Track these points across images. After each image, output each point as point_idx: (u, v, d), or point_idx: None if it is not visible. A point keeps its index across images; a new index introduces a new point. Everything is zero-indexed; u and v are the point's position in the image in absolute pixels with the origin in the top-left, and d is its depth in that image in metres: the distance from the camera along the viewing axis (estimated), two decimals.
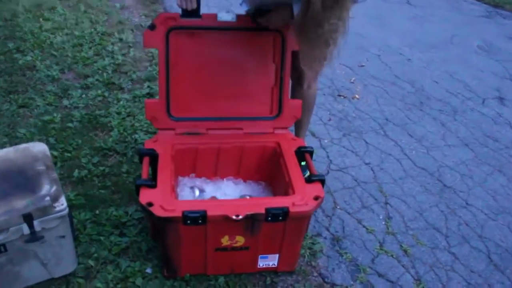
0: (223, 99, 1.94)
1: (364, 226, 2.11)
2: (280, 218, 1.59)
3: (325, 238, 2.03)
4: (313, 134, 2.77)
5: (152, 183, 1.61)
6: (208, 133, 1.94)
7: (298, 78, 2.10)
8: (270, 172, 2.00)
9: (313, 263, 1.89)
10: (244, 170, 2.02)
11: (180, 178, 1.98)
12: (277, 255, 1.75)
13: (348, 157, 2.60)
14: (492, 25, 4.94)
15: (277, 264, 1.78)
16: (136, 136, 2.55)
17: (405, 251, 2.00)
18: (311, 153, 1.89)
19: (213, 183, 2.00)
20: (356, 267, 1.89)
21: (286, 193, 1.75)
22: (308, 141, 2.58)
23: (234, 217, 1.52)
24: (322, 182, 1.72)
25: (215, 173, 2.02)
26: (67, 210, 1.57)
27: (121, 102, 2.87)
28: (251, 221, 1.58)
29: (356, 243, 2.02)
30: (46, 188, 1.54)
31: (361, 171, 2.49)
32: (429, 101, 3.27)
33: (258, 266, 1.77)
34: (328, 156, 2.59)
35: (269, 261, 1.77)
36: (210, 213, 1.53)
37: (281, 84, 1.94)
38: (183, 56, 1.85)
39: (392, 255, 1.97)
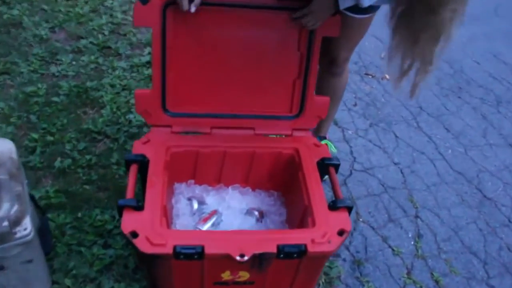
0: (232, 92, 1.58)
1: (390, 246, 1.81)
2: (295, 256, 1.28)
3: (344, 260, 1.73)
4: (335, 123, 2.41)
5: (138, 204, 1.29)
6: (212, 133, 1.60)
7: (329, 65, 1.72)
8: (284, 181, 1.67)
9: None
10: (254, 177, 1.69)
11: (176, 185, 1.66)
12: None
13: (374, 154, 2.26)
14: None
15: None
16: (131, 116, 2.21)
17: (437, 282, 1.70)
18: (336, 167, 1.54)
19: (216, 192, 1.67)
20: None
21: (303, 220, 1.44)
22: (330, 132, 2.23)
23: (238, 258, 1.21)
24: (349, 209, 1.39)
25: (218, 179, 1.69)
26: (32, 235, 1.26)
27: (117, 72, 2.50)
28: (259, 259, 1.27)
29: (380, 268, 1.72)
30: (5, 208, 1.23)
31: (389, 173, 2.16)
32: (469, 87, 2.86)
33: None
34: (351, 152, 2.24)
35: None
36: (208, 250, 1.22)
37: (305, 77, 1.56)
38: (184, 38, 1.46)
39: (421, 286, 1.68)
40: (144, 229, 1.24)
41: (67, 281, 1.51)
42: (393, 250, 1.79)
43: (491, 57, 3.19)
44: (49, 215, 1.69)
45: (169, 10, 1.40)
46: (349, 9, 1.45)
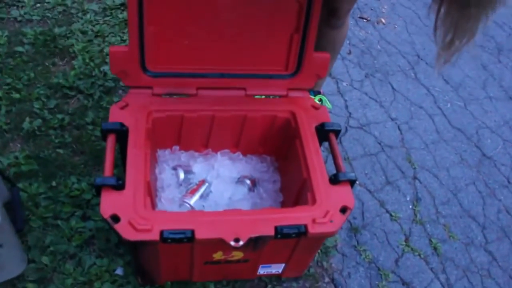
0: (221, 48, 1.38)
1: (387, 211, 1.73)
2: (294, 236, 1.17)
3: (340, 227, 1.65)
4: (329, 74, 2.23)
5: (118, 182, 1.14)
6: (199, 94, 1.42)
7: (329, 17, 1.53)
8: (278, 145, 1.54)
9: (324, 264, 1.54)
10: (245, 142, 1.55)
11: (159, 152, 1.50)
12: (282, 265, 1.38)
13: (371, 108, 2.12)
14: None
15: (282, 271, 1.42)
16: (106, 68, 1.99)
17: (435, 249, 1.65)
18: (337, 132, 1.40)
19: (204, 159, 1.53)
20: (376, 271, 1.55)
21: (301, 194, 1.32)
22: (324, 84, 2.06)
23: (232, 243, 1.10)
24: (352, 183, 1.27)
25: (206, 145, 1.54)
26: None
27: (88, 16, 2.23)
28: (254, 241, 1.16)
29: (378, 236, 1.65)
30: None
31: (386, 130, 2.03)
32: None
33: (258, 273, 1.41)
34: (346, 107, 2.10)
35: (272, 269, 1.40)
36: (199, 235, 1.10)
37: (304, 32, 1.37)
38: None
39: (419, 254, 1.62)
40: (126, 212, 1.10)
41: (45, 259, 1.39)
42: (390, 215, 1.71)
43: None
44: (20, 185, 1.53)
45: None
46: None
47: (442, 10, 0.93)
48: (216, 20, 1.32)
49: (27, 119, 1.74)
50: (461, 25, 0.90)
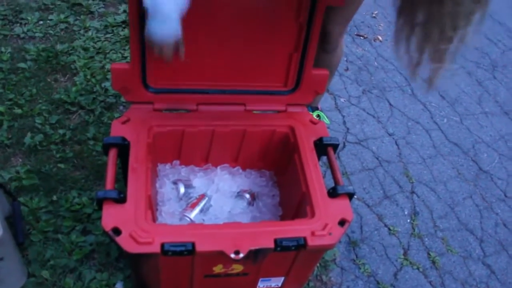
0: (221, 65, 1.41)
1: (386, 225, 1.74)
2: (293, 249, 1.18)
3: (339, 241, 1.65)
4: (326, 90, 2.27)
5: (120, 196, 1.15)
6: (199, 110, 1.45)
7: (321, 41, 1.56)
8: (277, 160, 1.56)
9: (324, 278, 1.54)
10: (244, 156, 1.56)
11: (160, 166, 1.52)
12: (282, 278, 1.39)
13: (368, 124, 2.15)
14: None
15: (281, 285, 1.42)
16: (107, 84, 2.02)
17: (433, 262, 1.65)
18: (335, 147, 1.42)
19: (203, 174, 1.55)
20: (375, 285, 1.55)
21: (300, 207, 1.34)
22: (322, 100, 2.10)
23: (233, 255, 1.11)
24: (351, 196, 1.29)
25: (206, 159, 1.56)
26: (0, 233, 1.13)
27: (90, 33, 2.28)
28: (254, 254, 1.17)
29: (377, 249, 1.66)
30: None
31: (384, 145, 2.06)
32: (464, 49, 2.73)
33: (258, 287, 1.41)
34: (344, 122, 2.13)
35: (272, 282, 1.41)
36: (200, 247, 1.11)
37: (304, 51, 1.40)
38: None
39: (418, 268, 1.63)
40: (128, 224, 1.11)
41: (45, 273, 1.40)
42: (389, 229, 1.72)
43: (487, 17, 3.05)
44: (21, 199, 1.55)
45: None
46: None
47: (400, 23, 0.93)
48: (216, 37, 1.36)
49: (29, 134, 1.76)
50: (422, 46, 0.90)
